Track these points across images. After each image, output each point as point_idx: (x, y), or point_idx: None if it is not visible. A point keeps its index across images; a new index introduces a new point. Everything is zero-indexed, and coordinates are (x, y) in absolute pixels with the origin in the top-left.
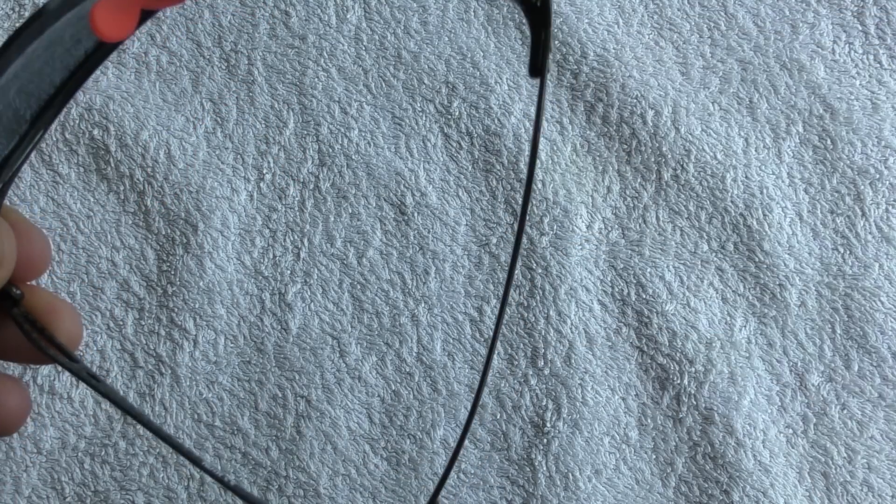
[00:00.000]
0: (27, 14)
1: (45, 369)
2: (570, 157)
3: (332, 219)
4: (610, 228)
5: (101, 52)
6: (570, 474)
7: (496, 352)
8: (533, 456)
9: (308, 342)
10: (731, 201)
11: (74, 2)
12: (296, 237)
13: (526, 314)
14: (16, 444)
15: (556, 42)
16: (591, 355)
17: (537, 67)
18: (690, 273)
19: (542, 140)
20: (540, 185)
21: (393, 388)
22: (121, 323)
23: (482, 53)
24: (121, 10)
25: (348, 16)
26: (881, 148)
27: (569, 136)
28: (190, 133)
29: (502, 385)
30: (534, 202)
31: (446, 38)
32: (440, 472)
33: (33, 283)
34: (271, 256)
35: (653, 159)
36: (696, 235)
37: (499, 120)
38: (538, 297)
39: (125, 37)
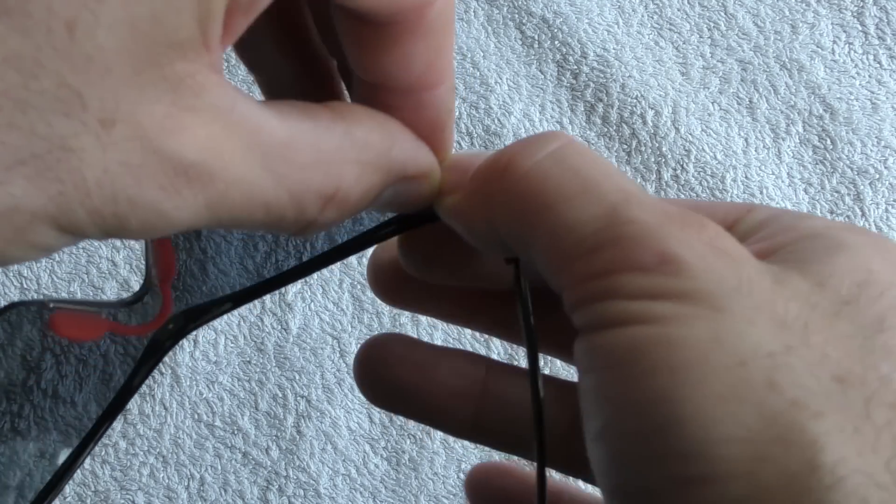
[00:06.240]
0: None
1: None
2: None
3: None
4: None
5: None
6: None
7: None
8: None
9: (308, 342)
10: (731, 201)
11: None
12: (298, 241)
13: None
14: None
15: (557, 42)
16: None
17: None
18: None
19: None
20: None
21: None
22: None
23: (482, 53)
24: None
25: None
26: (881, 148)
27: None
28: None
29: None
30: None
31: None
32: (440, 471)
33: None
34: (273, 261)
35: (653, 159)
36: None
37: (499, 120)
38: None
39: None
